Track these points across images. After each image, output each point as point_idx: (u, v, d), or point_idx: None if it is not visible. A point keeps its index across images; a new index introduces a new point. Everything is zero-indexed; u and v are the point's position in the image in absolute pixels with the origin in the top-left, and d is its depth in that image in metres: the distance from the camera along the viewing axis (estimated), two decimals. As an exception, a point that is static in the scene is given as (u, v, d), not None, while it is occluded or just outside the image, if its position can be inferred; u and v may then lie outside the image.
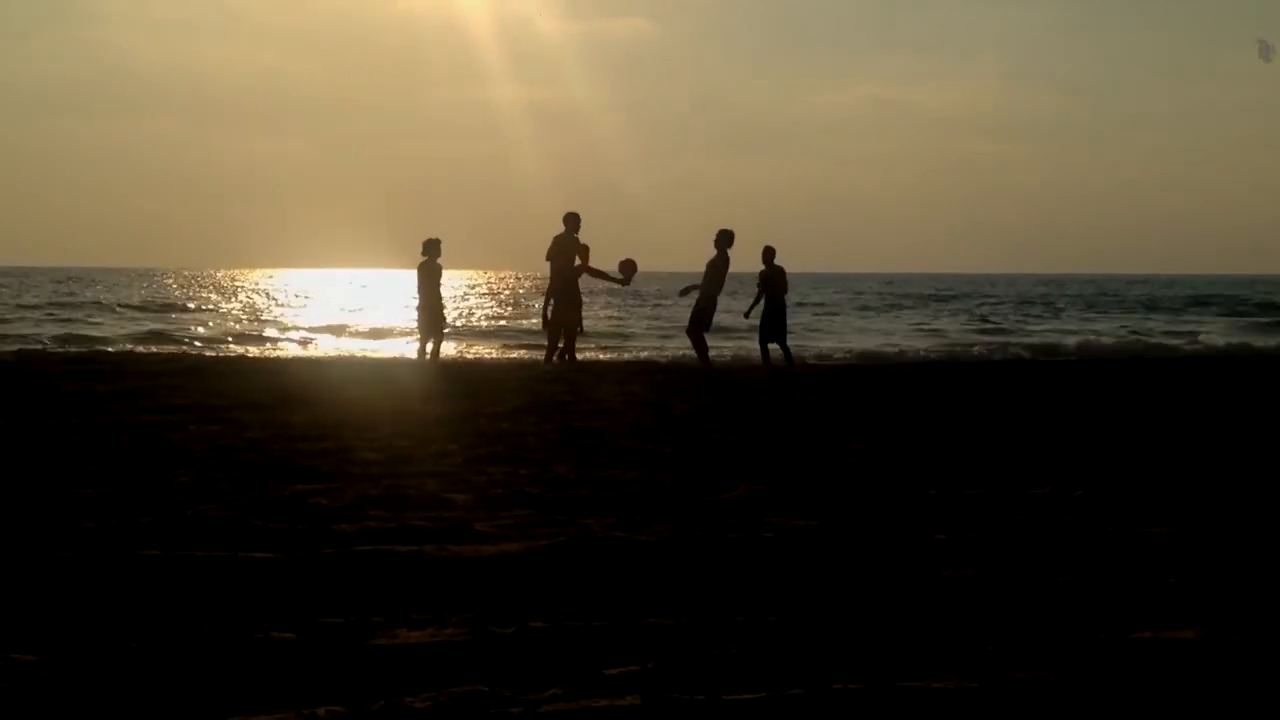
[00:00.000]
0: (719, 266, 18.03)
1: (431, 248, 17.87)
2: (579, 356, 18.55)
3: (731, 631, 3.85)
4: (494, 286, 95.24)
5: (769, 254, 18.26)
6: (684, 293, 19.13)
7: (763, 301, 18.34)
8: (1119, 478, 6.95)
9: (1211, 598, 4.28)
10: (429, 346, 18.24)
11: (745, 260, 18.88)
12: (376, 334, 34.01)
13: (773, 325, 18.26)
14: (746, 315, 19.00)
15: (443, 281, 18.12)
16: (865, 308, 57.83)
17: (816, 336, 35.83)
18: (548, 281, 17.81)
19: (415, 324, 18.78)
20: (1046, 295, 75.60)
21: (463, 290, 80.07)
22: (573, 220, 17.62)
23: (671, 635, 3.82)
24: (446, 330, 19.07)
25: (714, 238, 18.05)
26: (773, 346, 18.38)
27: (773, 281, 18.27)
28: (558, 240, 17.53)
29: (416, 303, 18.23)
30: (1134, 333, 38.27)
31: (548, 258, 17.61)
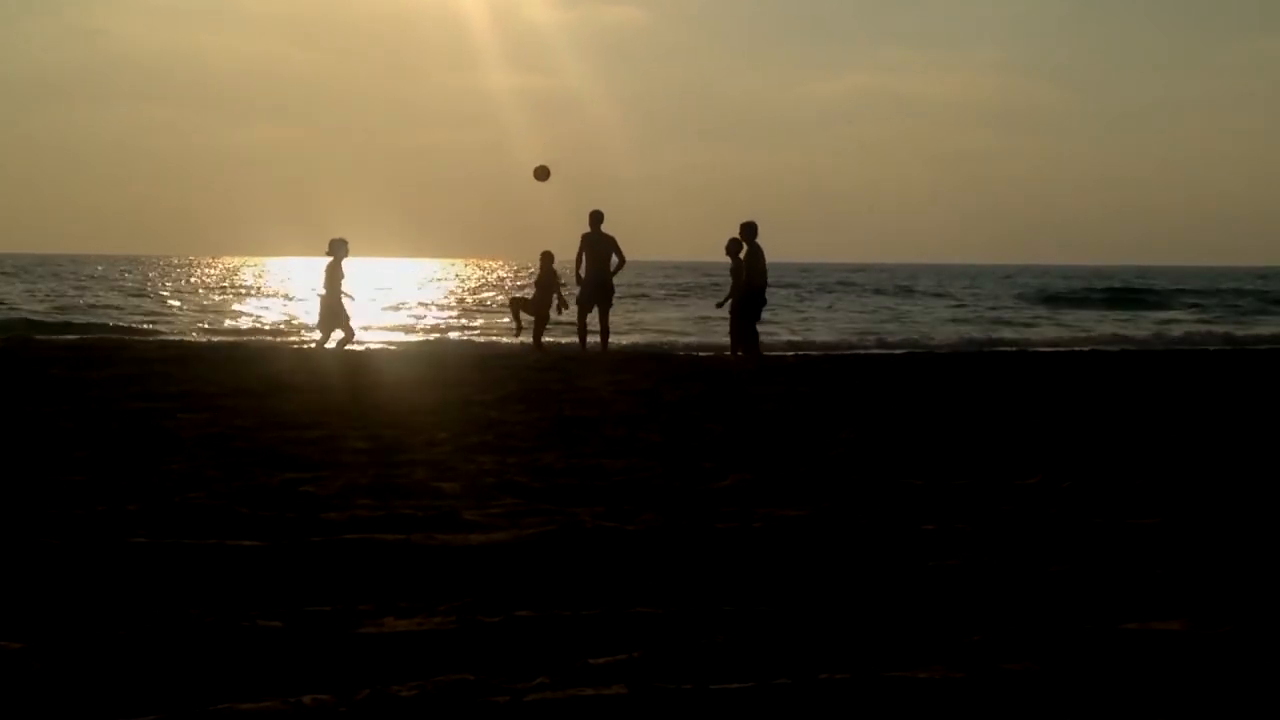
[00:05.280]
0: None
1: (338, 248, 17.96)
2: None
3: (719, 621, 3.85)
4: (487, 276, 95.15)
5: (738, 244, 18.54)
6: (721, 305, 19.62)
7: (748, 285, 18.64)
8: (1107, 469, 6.96)
9: (1199, 589, 4.29)
10: (329, 340, 18.45)
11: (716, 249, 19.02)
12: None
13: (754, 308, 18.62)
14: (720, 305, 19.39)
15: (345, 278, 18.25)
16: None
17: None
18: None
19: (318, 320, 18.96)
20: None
21: (458, 278, 79.84)
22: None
23: (659, 625, 3.82)
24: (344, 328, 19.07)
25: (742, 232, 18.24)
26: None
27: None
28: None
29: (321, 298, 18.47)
30: None
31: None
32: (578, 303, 18.45)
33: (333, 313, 18.31)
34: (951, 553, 4.80)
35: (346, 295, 18.18)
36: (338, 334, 18.39)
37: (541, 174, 18.20)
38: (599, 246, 18.20)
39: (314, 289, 18.59)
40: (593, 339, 18.46)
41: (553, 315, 19.09)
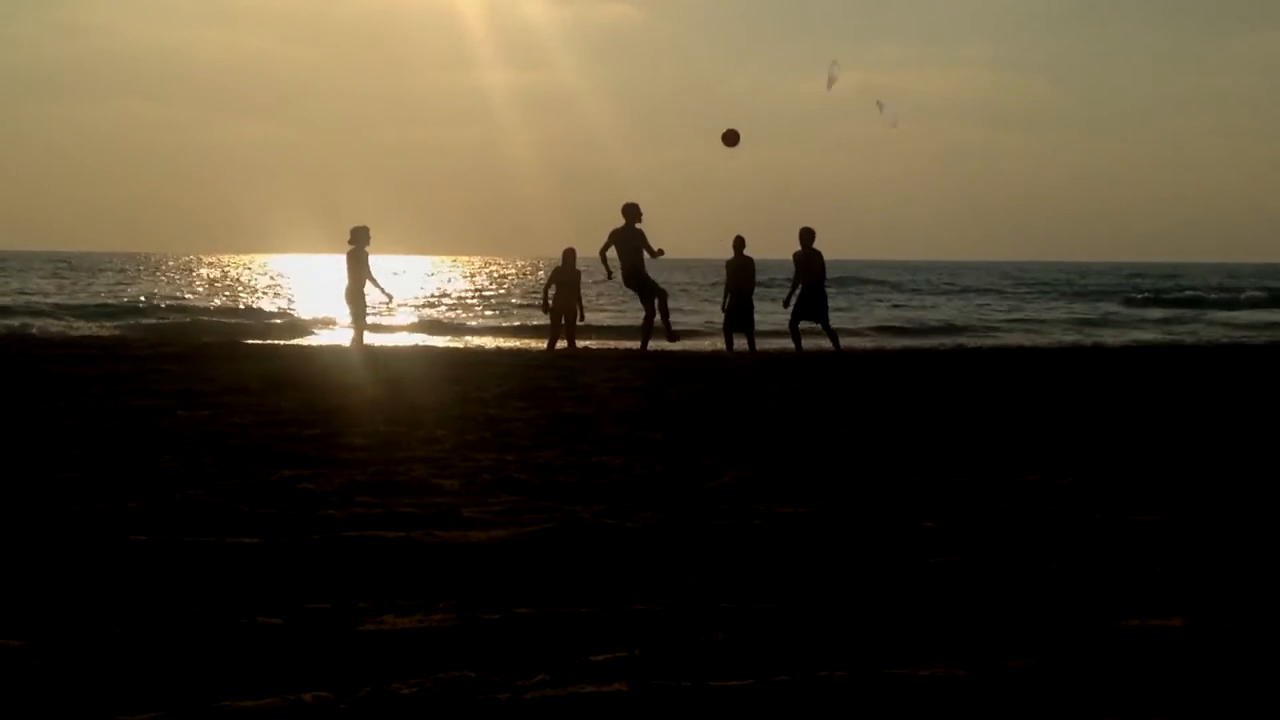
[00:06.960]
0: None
1: (360, 235, 17.91)
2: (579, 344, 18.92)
3: (719, 619, 3.85)
4: (480, 272, 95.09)
5: (808, 235, 18.67)
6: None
7: (799, 285, 18.77)
8: (1108, 465, 6.95)
9: (1199, 586, 4.29)
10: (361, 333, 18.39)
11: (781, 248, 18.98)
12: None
13: (809, 306, 18.70)
14: (786, 303, 19.30)
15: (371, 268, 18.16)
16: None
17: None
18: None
19: (350, 313, 18.75)
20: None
21: (454, 276, 79.73)
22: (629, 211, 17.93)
23: (659, 622, 3.82)
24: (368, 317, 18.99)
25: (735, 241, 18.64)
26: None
27: (808, 265, 18.68)
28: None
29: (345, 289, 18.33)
30: None
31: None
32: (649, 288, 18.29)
33: (357, 303, 18.28)
34: (952, 550, 4.79)
35: (383, 293, 18.17)
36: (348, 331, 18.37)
37: (731, 139, 17.92)
38: (629, 240, 17.96)
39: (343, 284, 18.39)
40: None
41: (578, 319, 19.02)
